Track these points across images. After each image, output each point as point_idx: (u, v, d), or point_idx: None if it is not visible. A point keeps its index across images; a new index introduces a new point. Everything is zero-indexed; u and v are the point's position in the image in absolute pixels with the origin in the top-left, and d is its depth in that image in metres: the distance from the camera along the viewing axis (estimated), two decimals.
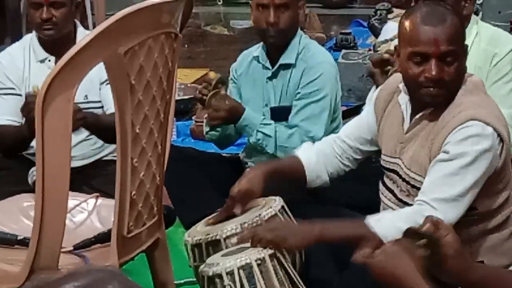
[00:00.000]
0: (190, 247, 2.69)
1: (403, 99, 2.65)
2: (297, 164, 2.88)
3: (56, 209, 2.21)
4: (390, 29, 5.64)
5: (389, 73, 3.12)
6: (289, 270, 2.49)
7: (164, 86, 2.39)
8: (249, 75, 3.66)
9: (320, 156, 2.88)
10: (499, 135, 2.49)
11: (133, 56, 2.22)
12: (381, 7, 6.42)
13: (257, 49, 3.66)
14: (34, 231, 2.22)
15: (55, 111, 2.12)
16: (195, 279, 2.77)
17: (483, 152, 2.46)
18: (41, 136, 2.13)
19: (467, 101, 2.52)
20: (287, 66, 3.56)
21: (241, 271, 2.42)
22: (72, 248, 2.46)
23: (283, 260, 2.48)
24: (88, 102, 3.40)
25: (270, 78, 3.60)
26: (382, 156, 2.74)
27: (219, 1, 10.41)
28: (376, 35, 6.22)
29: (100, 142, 3.52)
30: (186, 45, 7.79)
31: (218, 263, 2.46)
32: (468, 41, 2.68)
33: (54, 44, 3.43)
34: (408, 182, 2.61)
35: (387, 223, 2.45)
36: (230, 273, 2.42)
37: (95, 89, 3.44)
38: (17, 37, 4.08)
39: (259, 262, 2.43)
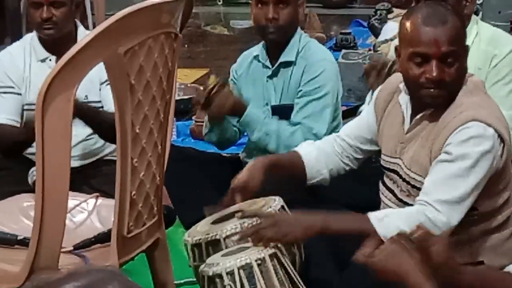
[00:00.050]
0: (190, 247, 2.69)
1: (404, 99, 2.65)
2: (297, 159, 2.88)
3: (56, 209, 2.21)
4: (390, 29, 5.64)
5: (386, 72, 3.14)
6: (289, 270, 2.49)
7: (164, 86, 2.39)
8: (249, 75, 3.66)
9: (320, 153, 2.88)
10: (500, 136, 2.49)
11: (133, 56, 2.22)
12: (381, 7, 6.42)
13: (257, 49, 3.67)
14: (34, 231, 2.22)
15: (55, 111, 2.11)
16: (195, 279, 2.76)
17: (484, 153, 2.46)
18: (41, 136, 2.13)
19: (467, 102, 2.52)
20: (287, 64, 3.56)
21: (241, 271, 2.42)
22: (72, 248, 2.46)
23: (283, 260, 2.48)
24: (88, 102, 3.39)
25: (270, 77, 3.60)
26: (382, 156, 2.74)
27: (219, 1, 10.41)
28: (376, 35, 6.22)
29: (100, 142, 3.52)
30: (186, 45, 7.79)
31: (218, 263, 2.46)
32: (468, 41, 2.68)
33: (55, 44, 3.43)
34: (408, 182, 2.61)
35: (389, 223, 2.45)
36: (230, 273, 2.42)
37: (95, 89, 3.44)
38: (17, 37, 4.08)
39: (259, 262, 2.43)
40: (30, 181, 3.33)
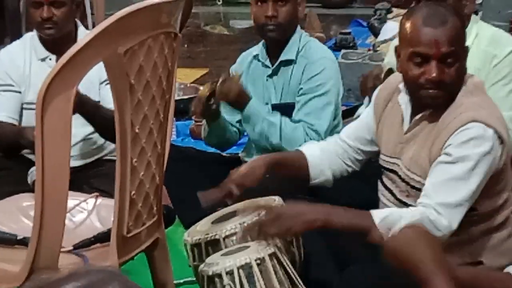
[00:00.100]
0: (190, 247, 2.69)
1: (403, 99, 2.65)
2: (301, 158, 2.88)
3: (56, 209, 2.21)
4: (390, 29, 5.66)
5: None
6: (289, 270, 2.49)
7: (163, 86, 2.39)
8: (249, 75, 3.66)
9: (324, 153, 2.87)
10: (499, 136, 2.48)
11: (132, 56, 2.22)
12: (381, 7, 6.43)
13: (256, 49, 3.67)
14: (34, 231, 2.22)
15: (55, 111, 2.11)
16: (194, 279, 2.77)
17: (484, 154, 2.46)
18: (41, 135, 2.13)
19: (467, 102, 2.52)
20: (287, 63, 3.57)
21: (240, 270, 2.42)
22: (71, 247, 2.46)
23: (282, 260, 2.48)
24: None
25: (270, 76, 3.60)
26: (381, 156, 2.74)
27: (219, 1, 10.42)
28: (376, 35, 6.23)
29: (100, 142, 3.52)
30: (186, 45, 7.80)
31: (217, 263, 2.46)
32: (468, 42, 2.68)
33: (55, 43, 3.43)
34: (407, 183, 2.61)
35: (392, 222, 2.43)
36: (230, 273, 2.42)
37: (94, 89, 3.44)
38: (16, 37, 4.07)
39: (258, 261, 2.43)
40: (29, 180, 3.33)
